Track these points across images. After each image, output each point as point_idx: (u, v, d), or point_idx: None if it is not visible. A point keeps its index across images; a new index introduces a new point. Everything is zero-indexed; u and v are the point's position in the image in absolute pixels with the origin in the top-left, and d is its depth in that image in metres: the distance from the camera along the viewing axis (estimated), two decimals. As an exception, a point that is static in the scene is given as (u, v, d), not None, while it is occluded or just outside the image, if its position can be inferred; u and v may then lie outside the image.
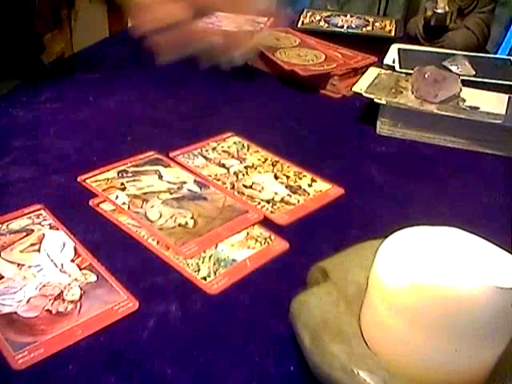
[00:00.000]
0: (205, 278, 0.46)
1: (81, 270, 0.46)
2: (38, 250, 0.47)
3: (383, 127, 0.72)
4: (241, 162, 0.63)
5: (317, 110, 0.79)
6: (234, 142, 0.67)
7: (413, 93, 0.71)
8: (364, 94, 0.71)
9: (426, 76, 0.70)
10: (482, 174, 0.65)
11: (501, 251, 0.35)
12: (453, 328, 0.32)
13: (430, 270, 0.32)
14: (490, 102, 0.70)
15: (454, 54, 0.85)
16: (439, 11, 0.99)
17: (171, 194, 0.56)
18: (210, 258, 0.48)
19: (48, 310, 0.42)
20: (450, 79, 0.71)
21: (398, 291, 0.33)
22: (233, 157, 0.64)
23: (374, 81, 0.74)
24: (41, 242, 0.48)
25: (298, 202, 0.56)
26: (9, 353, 0.38)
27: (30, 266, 0.46)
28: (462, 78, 0.73)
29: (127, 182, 0.57)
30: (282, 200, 0.56)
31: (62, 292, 0.43)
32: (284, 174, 0.61)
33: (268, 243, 0.50)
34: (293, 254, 0.49)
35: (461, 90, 0.71)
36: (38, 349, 0.39)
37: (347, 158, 0.67)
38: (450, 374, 0.34)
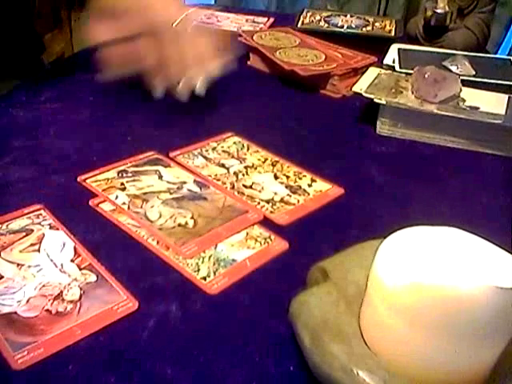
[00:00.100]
0: (205, 278, 0.46)
1: (80, 270, 0.46)
2: (38, 250, 0.47)
3: (383, 127, 0.72)
4: (241, 162, 0.63)
5: (317, 110, 0.79)
6: (234, 142, 0.67)
7: (413, 93, 0.71)
8: (364, 94, 0.71)
9: (426, 76, 0.70)
10: (481, 173, 0.65)
11: (501, 251, 0.35)
12: (453, 328, 0.32)
13: (430, 270, 0.32)
14: (489, 102, 0.70)
15: (453, 54, 0.85)
16: (439, 11, 0.99)
17: (171, 194, 0.56)
18: (209, 257, 0.48)
19: (48, 310, 0.42)
20: (449, 79, 0.71)
21: (398, 291, 0.33)
22: (233, 157, 0.64)
23: (373, 81, 0.74)
24: (40, 242, 0.48)
25: (298, 202, 0.56)
26: (8, 353, 0.38)
27: (29, 266, 0.46)
28: (461, 78, 0.73)
29: (127, 182, 0.57)
30: (282, 200, 0.56)
31: (61, 292, 0.43)
32: (284, 174, 0.61)
33: (268, 243, 0.50)
34: (293, 254, 0.49)
35: (461, 90, 0.71)
36: (37, 349, 0.38)
37: (347, 157, 0.67)
38: (450, 374, 0.34)
